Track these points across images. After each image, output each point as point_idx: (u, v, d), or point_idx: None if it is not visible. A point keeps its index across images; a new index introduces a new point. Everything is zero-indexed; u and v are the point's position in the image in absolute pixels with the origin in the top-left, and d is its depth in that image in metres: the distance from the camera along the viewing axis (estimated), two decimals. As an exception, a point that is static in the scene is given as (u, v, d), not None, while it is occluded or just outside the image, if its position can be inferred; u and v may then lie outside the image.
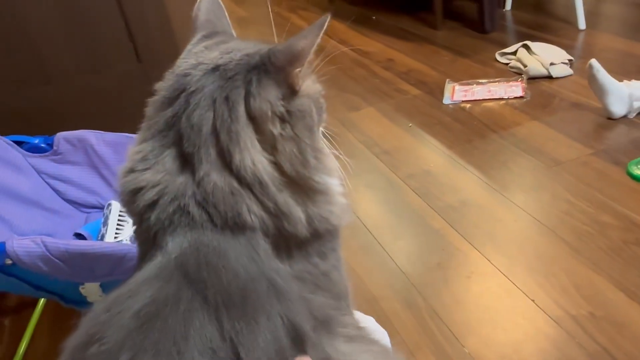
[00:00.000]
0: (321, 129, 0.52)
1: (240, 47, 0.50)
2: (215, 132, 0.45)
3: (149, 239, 0.47)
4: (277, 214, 0.46)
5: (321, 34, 0.46)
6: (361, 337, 0.48)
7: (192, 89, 0.47)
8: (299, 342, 0.44)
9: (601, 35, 2.21)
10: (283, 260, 0.47)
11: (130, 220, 1.09)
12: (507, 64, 2.06)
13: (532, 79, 1.90)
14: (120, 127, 1.18)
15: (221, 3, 0.57)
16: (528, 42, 2.04)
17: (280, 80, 0.46)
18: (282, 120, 0.47)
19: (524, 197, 1.35)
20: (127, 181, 0.49)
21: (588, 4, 2.31)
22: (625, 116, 1.55)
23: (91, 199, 1.16)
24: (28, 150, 1.15)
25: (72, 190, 1.16)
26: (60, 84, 1.91)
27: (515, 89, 1.85)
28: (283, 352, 0.42)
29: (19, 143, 1.15)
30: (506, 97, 1.83)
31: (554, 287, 1.07)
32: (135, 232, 0.51)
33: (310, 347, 0.44)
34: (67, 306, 0.94)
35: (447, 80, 2.00)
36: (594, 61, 1.53)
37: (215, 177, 0.45)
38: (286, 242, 0.47)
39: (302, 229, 0.47)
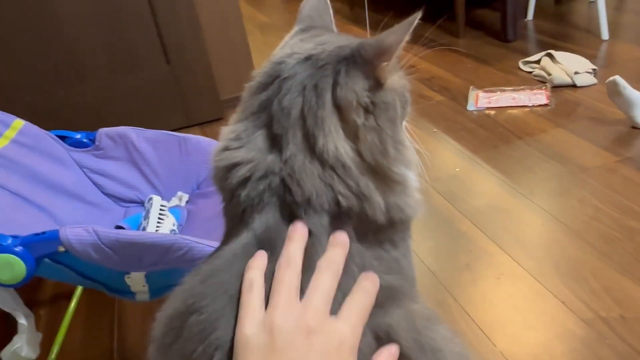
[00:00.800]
0: (404, 122, 0.55)
1: (334, 40, 0.53)
2: (302, 117, 0.48)
3: (237, 215, 0.50)
4: (359, 196, 0.48)
5: (410, 31, 0.49)
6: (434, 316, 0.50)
7: (285, 75, 0.50)
8: (393, 299, 0.47)
9: (624, 45, 2.23)
10: (360, 243, 0.50)
11: (170, 215, 1.13)
12: (530, 72, 2.08)
13: (556, 87, 1.92)
14: (150, 126, 1.22)
15: (328, 2, 0.60)
16: (552, 51, 2.06)
17: (368, 72, 0.49)
18: (366, 110, 0.49)
19: (551, 202, 1.37)
20: (221, 158, 0.52)
21: (610, 14, 2.33)
22: (650, 125, 1.57)
23: (130, 194, 1.19)
24: (71, 145, 1.19)
25: (112, 185, 1.19)
26: (93, 83, 1.96)
27: (539, 96, 1.87)
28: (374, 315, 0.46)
29: (62, 138, 1.18)
30: (530, 105, 1.85)
31: (584, 290, 1.09)
32: (224, 208, 0.54)
33: (409, 300, 0.48)
34: (111, 295, 0.97)
35: (471, 87, 2.02)
36: (618, 78, 1.54)
37: (302, 159, 0.48)
38: (364, 228, 0.50)
39: (381, 215, 0.49)
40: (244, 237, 0.48)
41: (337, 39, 0.53)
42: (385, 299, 0.47)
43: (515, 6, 2.39)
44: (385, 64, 0.48)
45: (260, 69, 0.53)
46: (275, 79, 0.50)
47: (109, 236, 0.84)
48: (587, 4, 2.82)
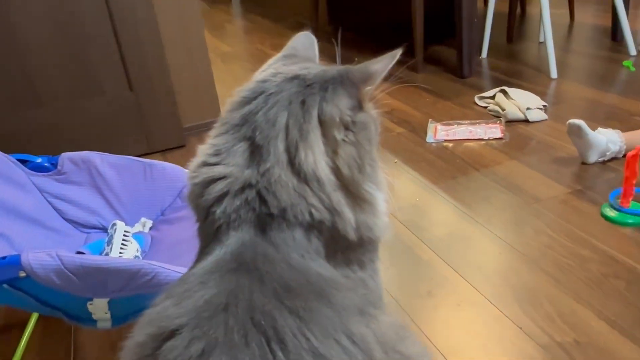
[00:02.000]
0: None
1: (317, 66, 0.56)
2: (287, 128, 0.50)
3: (211, 233, 0.51)
4: (331, 210, 0.50)
5: (393, 63, 0.53)
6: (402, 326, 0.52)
7: (271, 91, 0.53)
8: (363, 314, 0.48)
9: (571, 84, 2.36)
10: (328, 262, 0.51)
11: (134, 241, 1.11)
12: (485, 107, 2.17)
13: (510, 122, 2.01)
14: (111, 152, 1.20)
15: (315, 40, 0.64)
16: (505, 88, 2.16)
17: (352, 93, 0.52)
18: (347, 128, 0.52)
19: (507, 231, 1.42)
20: (198, 174, 0.53)
21: (558, 54, 2.47)
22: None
23: (92, 220, 1.17)
24: (32, 169, 1.16)
25: (73, 210, 1.17)
26: (53, 108, 1.93)
27: (494, 130, 1.95)
28: (348, 323, 0.46)
29: (22, 162, 1.16)
30: (486, 138, 1.92)
31: (540, 315, 1.13)
32: (198, 228, 0.54)
33: (380, 311, 0.49)
34: (70, 322, 0.95)
35: (430, 120, 2.09)
36: (583, 124, 1.60)
37: (279, 171, 0.49)
38: (334, 245, 0.52)
39: (351, 231, 0.51)
40: (217, 255, 0.49)
41: (319, 66, 0.56)
42: (363, 306, 0.48)
43: (470, 44, 2.51)
44: (367, 88, 0.51)
45: (241, 87, 0.55)
46: (260, 95, 0.52)
47: (73, 261, 0.83)
48: (537, 44, 2.98)
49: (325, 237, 0.51)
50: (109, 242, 1.07)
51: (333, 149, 0.51)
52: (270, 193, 0.49)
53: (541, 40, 2.95)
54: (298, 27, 3.04)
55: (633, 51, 2.57)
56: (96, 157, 1.18)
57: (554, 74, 2.40)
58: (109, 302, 0.91)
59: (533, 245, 1.35)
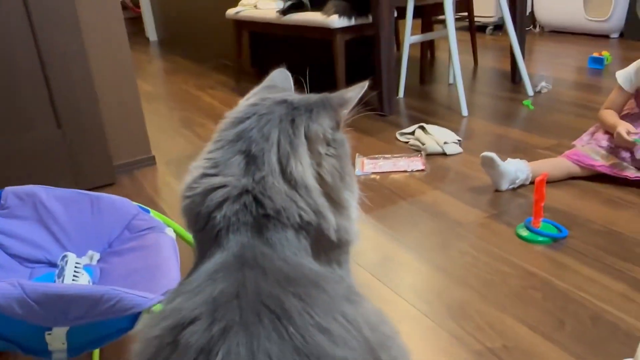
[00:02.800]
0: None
1: (297, 94, 0.65)
2: (279, 142, 0.58)
3: (211, 238, 0.56)
4: (317, 213, 0.58)
5: (362, 93, 0.62)
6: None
7: (263, 112, 0.60)
8: (350, 301, 0.55)
9: (479, 120, 2.59)
10: (314, 260, 0.59)
11: (85, 272, 1.12)
12: (406, 142, 2.34)
13: (430, 155, 2.18)
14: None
15: (290, 76, 0.72)
16: (424, 124, 2.35)
17: (332, 115, 0.61)
18: (328, 144, 0.60)
19: (435, 253, 1.54)
20: (198, 185, 0.58)
21: (466, 96, 2.71)
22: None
23: (37, 254, 1.16)
24: (-28, 204, 1.14)
25: (17, 245, 1.15)
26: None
27: (416, 163, 2.11)
28: (341, 307, 0.53)
29: (-38, 197, 1.13)
30: (409, 170, 2.07)
31: (471, 326, 1.24)
32: (196, 237, 0.59)
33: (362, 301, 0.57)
34: (26, 355, 0.93)
35: (357, 154, 2.22)
36: (495, 156, 1.78)
37: (273, 179, 0.57)
38: (318, 245, 0.59)
39: (333, 233, 0.59)
40: (220, 257, 0.55)
41: (299, 94, 0.64)
42: (349, 295, 0.55)
43: (389, 85, 2.70)
44: (343, 112, 0.60)
45: (232, 111, 0.63)
46: (252, 115, 0.60)
47: (36, 289, 0.83)
48: (446, 85, 3.24)
49: (312, 238, 0.58)
50: (60, 274, 1.07)
51: (318, 161, 0.60)
52: (266, 197, 0.56)
53: (450, 82, 3.22)
54: (221, 69, 3.19)
55: (531, 92, 2.87)
56: (41, 191, 1.17)
57: (464, 111, 2.64)
58: (67, 332, 0.91)
59: (459, 264, 1.48)
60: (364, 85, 0.64)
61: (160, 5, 5.62)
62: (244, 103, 0.65)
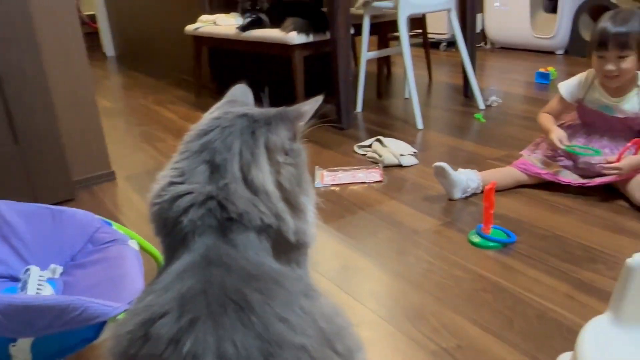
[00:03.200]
0: None
1: (257, 108, 0.69)
2: (241, 152, 0.63)
3: (178, 242, 0.60)
4: (277, 216, 0.62)
5: (317, 106, 0.67)
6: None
7: (225, 125, 0.65)
8: (307, 296, 0.60)
9: (434, 133, 2.70)
10: (275, 260, 0.63)
11: (48, 285, 1.12)
12: (364, 154, 2.42)
13: (387, 167, 2.26)
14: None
15: (249, 90, 0.77)
16: (381, 137, 2.43)
17: (289, 127, 0.66)
18: (286, 153, 0.65)
19: (393, 260, 1.60)
20: (166, 192, 0.62)
21: (421, 110, 2.81)
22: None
23: (-2, 269, 1.16)
24: None
25: (-23, 260, 1.15)
26: None
27: (374, 174, 2.18)
28: (298, 300, 0.57)
29: None
30: (367, 182, 2.14)
31: (427, 328, 1.30)
32: (163, 241, 0.63)
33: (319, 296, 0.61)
34: (-11, 369, 0.94)
35: (317, 167, 2.27)
36: (446, 165, 1.87)
37: (235, 186, 0.61)
38: (278, 246, 0.64)
39: (292, 235, 0.64)
40: (187, 258, 0.59)
41: (259, 108, 0.69)
42: (306, 291, 0.60)
43: (347, 100, 2.78)
44: (300, 124, 0.65)
45: (196, 124, 0.67)
46: (216, 128, 0.65)
47: (2, 301, 0.84)
48: (402, 99, 3.35)
49: (272, 239, 0.63)
50: (23, 287, 1.07)
51: (277, 169, 0.64)
52: (229, 202, 0.61)
53: (406, 96, 3.32)
54: (181, 84, 3.23)
55: (482, 105, 3.00)
56: (2, 205, 1.17)
57: (420, 125, 2.73)
58: (32, 343, 0.92)
59: (416, 270, 1.54)
60: (319, 99, 0.70)
61: (118, 20, 5.59)
62: (208, 116, 0.69)
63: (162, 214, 0.63)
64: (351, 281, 1.51)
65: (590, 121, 1.95)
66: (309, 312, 0.57)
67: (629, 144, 1.79)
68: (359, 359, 0.64)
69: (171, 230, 0.62)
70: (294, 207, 0.66)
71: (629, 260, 1.01)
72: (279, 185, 0.64)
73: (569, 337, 1.22)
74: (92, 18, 6.05)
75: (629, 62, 1.75)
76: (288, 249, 0.65)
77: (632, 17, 1.74)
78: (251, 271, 0.58)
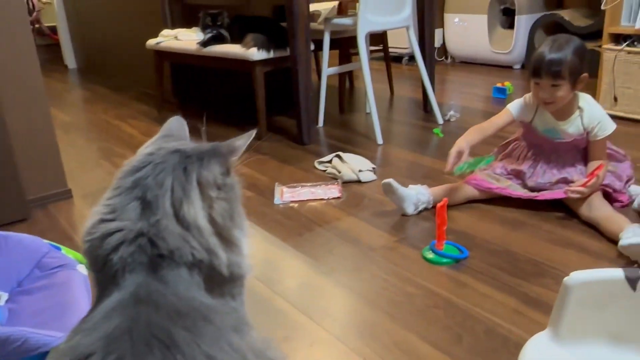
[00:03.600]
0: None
1: (191, 142, 0.70)
2: (172, 189, 0.63)
3: (108, 279, 0.60)
4: (209, 251, 0.63)
5: (250, 140, 0.69)
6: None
7: (158, 161, 0.65)
8: (238, 330, 0.60)
9: (394, 148, 2.74)
10: (207, 294, 0.64)
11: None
12: (324, 170, 2.44)
13: (346, 183, 2.28)
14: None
15: (185, 124, 0.77)
16: (340, 153, 2.45)
17: (222, 163, 0.67)
18: (219, 188, 0.66)
19: (349, 277, 1.62)
20: (97, 230, 0.62)
21: (382, 124, 2.86)
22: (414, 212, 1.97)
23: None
24: None
25: None
26: None
27: (333, 190, 2.21)
28: (227, 336, 0.58)
29: None
30: (326, 198, 2.16)
31: (379, 346, 1.32)
32: (95, 278, 0.63)
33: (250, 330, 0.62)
34: None
35: (276, 183, 2.28)
36: (393, 181, 1.91)
37: (166, 222, 0.62)
38: (211, 280, 0.64)
39: (224, 268, 0.65)
40: (117, 295, 0.59)
41: (192, 143, 0.70)
42: (237, 325, 0.61)
43: (308, 115, 2.80)
44: (234, 158, 0.66)
45: (129, 160, 0.67)
46: (148, 164, 0.65)
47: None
48: (364, 114, 3.39)
49: (204, 274, 0.64)
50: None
51: (209, 204, 0.65)
52: (160, 238, 0.61)
53: (368, 111, 3.36)
54: (143, 98, 3.21)
55: (440, 120, 3.06)
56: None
57: (379, 140, 2.77)
58: (-29, 375, 0.90)
59: (371, 287, 1.56)
60: (252, 133, 0.71)
61: (80, 32, 5.51)
62: (142, 152, 0.70)
63: (93, 251, 0.63)
64: (306, 299, 1.52)
65: (537, 143, 2.01)
66: (238, 349, 0.58)
67: (598, 172, 1.82)
68: None
69: (102, 267, 0.62)
70: (227, 240, 0.67)
71: (566, 279, 1.05)
72: (212, 220, 0.65)
73: (515, 352, 1.25)
74: (53, 30, 5.95)
75: (561, 91, 1.81)
76: (222, 282, 0.66)
77: (567, 45, 1.80)
78: (180, 308, 0.58)
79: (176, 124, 0.78)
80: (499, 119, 2.03)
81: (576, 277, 1.03)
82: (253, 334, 0.63)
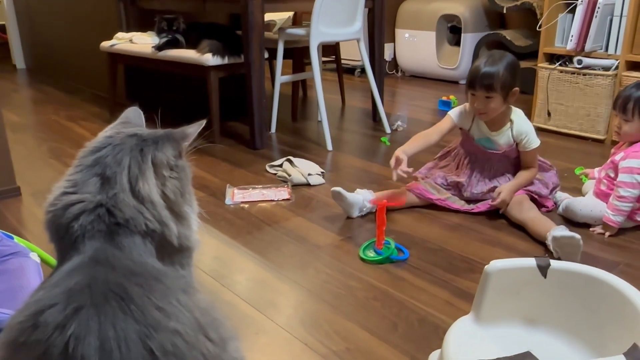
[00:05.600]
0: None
1: (148, 129, 0.77)
2: (129, 167, 0.71)
3: (69, 245, 0.67)
4: (161, 222, 0.71)
5: (200, 129, 0.77)
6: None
7: (117, 143, 0.73)
8: (185, 292, 0.68)
9: (343, 154, 2.85)
10: (159, 261, 0.72)
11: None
12: (275, 174, 2.52)
13: (295, 185, 2.38)
14: None
15: (142, 113, 0.85)
16: (291, 157, 2.55)
17: (175, 147, 0.75)
18: (171, 169, 0.74)
19: (295, 272, 1.71)
20: (60, 201, 0.69)
21: (333, 132, 2.98)
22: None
23: None
24: None
25: None
26: None
27: (283, 193, 2.29)
28: (176, 294, 0.65)
29: None
30: (276, 199, 2.24)
31: (320, 334, 1.41)
32: (57, 245, 0.70)
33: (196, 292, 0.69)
34: None
35: (228, 185, 2.35)
36: (342, 189, 2.01)
37: (123, 195, 0.69)
38: (162, 249, 0.72)
39: (175, 239, 0.73)
40: (77, 259, 0.66)
41: (149, 129, 0.78)
42: (185, 287, 0.69)
43: (261, 121, 2.88)
44: (185, 144, 0.74)
45: (91, 142, 0.75)
46: (108, 145, 0.73)
47: None
48: (316, 122, 3.50)
49: (157, 243, 0.72)
50: None
51: (162, 182, 0.73)
52: (117, 209, 0.69)
53: (319, 119, 3.47)
54: (95, 100, 3.26)
55: (388, 129, 3.20)
56: None
57: (329, 146, 2.88)
58: None
59: (315, 282, 1.66)
60: (202, 123, 0.80)
61: (30, 31, 5.42)
62: (102, 135, 0.77)
63: (55, 221, 0.70)
64: (255, 293, 1.60)
65: (473, 151, 2.17)
66: (185, 304, 0.66)
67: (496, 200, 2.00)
68: (233, 346, 0.73)
69: (64, 235, 0.69)
70: (178, 215, 0.75)
71: (486, 267, 1.17)
72: (164, 196, 0.73)
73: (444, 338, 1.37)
74: (2, 28, 5.82)
75: (494, 102, 1.98)
76: (172, 251, 0.74)
77: (501, 61, 1.96)
78: (134, 269, 0.66)
79: (134, 113, 0.86)
80: (442, 125, 2.17)
81: (494, 265, 1.15)
82: (199, 296, 0.71)
